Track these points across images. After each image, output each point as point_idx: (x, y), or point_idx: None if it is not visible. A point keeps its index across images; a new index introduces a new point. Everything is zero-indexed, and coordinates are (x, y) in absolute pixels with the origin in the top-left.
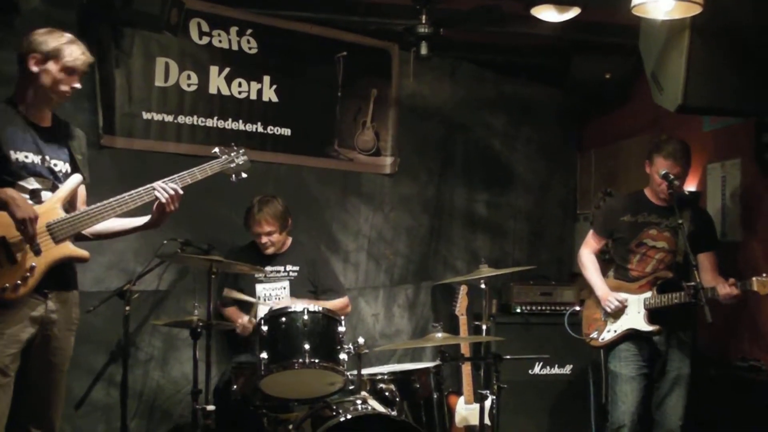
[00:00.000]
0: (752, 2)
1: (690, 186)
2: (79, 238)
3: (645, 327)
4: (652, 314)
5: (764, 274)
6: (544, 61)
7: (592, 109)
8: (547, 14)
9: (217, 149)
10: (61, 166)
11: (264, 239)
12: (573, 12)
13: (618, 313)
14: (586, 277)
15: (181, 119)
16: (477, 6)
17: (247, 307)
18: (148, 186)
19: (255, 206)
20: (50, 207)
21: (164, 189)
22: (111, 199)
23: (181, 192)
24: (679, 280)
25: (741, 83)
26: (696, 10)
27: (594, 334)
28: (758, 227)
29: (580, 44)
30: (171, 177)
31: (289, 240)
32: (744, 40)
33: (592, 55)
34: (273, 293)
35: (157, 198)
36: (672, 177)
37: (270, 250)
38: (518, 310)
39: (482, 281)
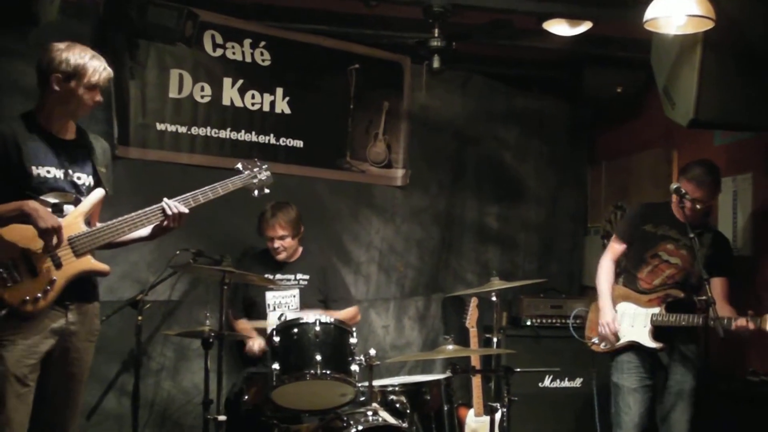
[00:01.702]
0: (764, 17)
1: None
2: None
3: (649, 344)
4: (657, 330)
5: None
6: (555, 74)
7: (603, 122)
8: (559, 28)
9: (239, 164)
10: (85, 179)
11: (277, 243)
12: (585, 26)
13: (608, 338)
14: (596, 282)
15: (194, 130)
16: (489, 20)
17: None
18: (152, 208)
19: (268, 211)
20: (72, 221)
21: (170, 206)
22: (132, 214)
23: (186, 212)
24: (690, 302)
25: (753, 97)
26: (708, 25)
27: (595, 339)
28: None
29: (592, 58)
30: (193, 192)
31: (300, 249)
32: (756, 54)
33: (604, 68)
34: (283, 301)
35: (163, 216)
36: (684, 192)
37: (282, 256)
38: (528, 323)
39: (493, 294)
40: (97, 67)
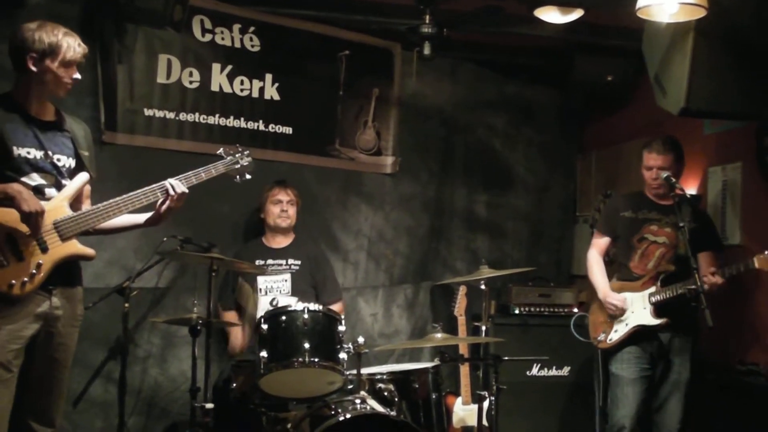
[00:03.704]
0: (756, 6)
1: (691, 189)
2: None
3: (652, 321)
4: (658, 309)
5: (766, 252)
6: (546, 62)
7: (594, 110)
8: (550, 15)
9: (221, 150)
10: (65, 161)
11: (285, 206)
12: (576, 14)
13: (622, 313)
14: (590, 278)
15: (183, 116)
16: (481, 7)
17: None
18: (157, 185)
19: (276, 182)
20: (57, 205)
21: (173, 186)
22: (117, 198)
23: (187, 191)
24: (682, 274)
25: (744, 87)
26: (701, 13)
27: (601, 336)
28: (759, 231)
29: (583, 46)
30: (176, 177)
31: (293, 236)
32: (748, 43)
33: (595, 56)
34: (275, 285)
35: (166, 193)
36: (667, 174)
37: (285, 223)
38: (517, 312)
39: (482, 282)
40: (71, 44)
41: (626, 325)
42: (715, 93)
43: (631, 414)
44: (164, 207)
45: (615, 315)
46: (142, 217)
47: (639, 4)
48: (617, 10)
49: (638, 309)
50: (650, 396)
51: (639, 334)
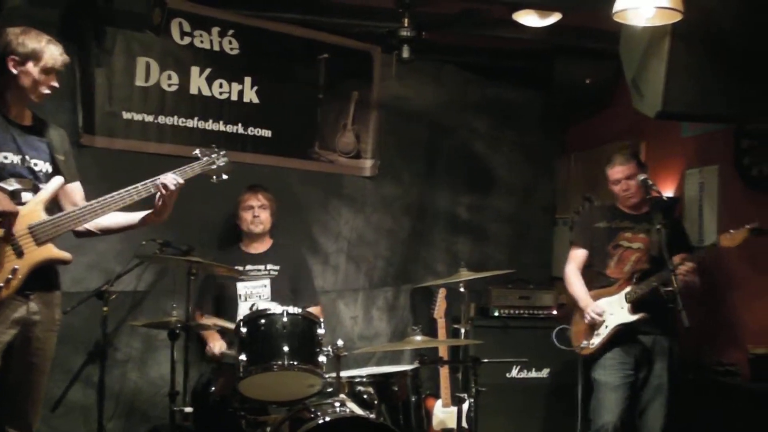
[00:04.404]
0: (734, 9)
1: (668, 191)
2: (83, 234)
3: (631, 318)
4: (635, 306)
5: (731, 230)
6: (527, 64)
7: (575, 113)
8: (529, 19)
9: (197, 151)
10: (42, 165)
11: (257, 211)
12: (554, 17)
13: (600, 323)
14: (570, 292)
15: (161, 119)
16: (460, 10)
17: (230, 311)
18: (143, 183)
19: (247, 187)
20: (32, 209)
21: (165, 183)
22: (93, 201)
23: (182, 182)
24: (656, 269)
25: (721, 90)
26: (677, 17)
27: (584, 343)
28: None
29: (563, 49)
30: (153, 178)
31: (270, 241)
32: (726, 46)
33: (575, 59)
34: (254, 291)
35: (158, 189)
36: (644, 177)
37: (258, 228)
38: (497, 314)
39: (461, 284)
40: (53, 51)
41: (606, 327)
42: (692, 96)
43: (614, 420)
44: (159, 202)
45: (594, 325)
46: (136, 217)
47: (615, 8)
48: (595, 13)
49: (616, 310)
50: (633, 401)
51: (621, 336)
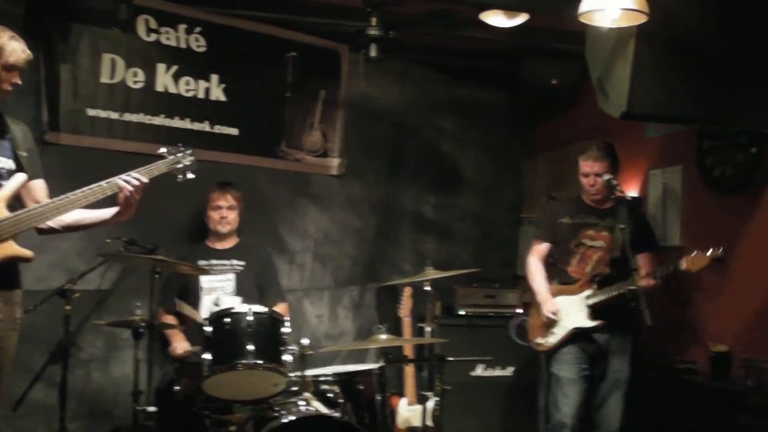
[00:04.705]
0: (699, 11)
1: (632, 191)
2: (45, 232)
3: (589, 323)
4: (595, 311)
5: (695, 252)
6: (494, 65)
7: (541, 113)
8: (496, 20)
9: (164, 149)
10: (4, 162)
11: (225, 212)
12: (521, 18)
13: (559, 315)
14: (530, 284)
15: (127, 117)
16: (428, 10)
17: (192, 304)
18: (107, 181)
19: (218, 185)
20: None
21: (128, 181)
22: (56, 199)
23: (146, 181)
24: (617, 275)
25: (685, 91)
26: (642, 19)
27: (539, 339)
28: (698, 233)
29: (529, 49)
30: (116, 177)
31: (237, 239)
32: (689, 48)
33: (541, 60)
34: (218, 285)
35: (120, 189)
36: (609, 177)
37: (225, 228)
38: (462, 313)
39: (427, 283)
40: (15, 48)
41: (563, 328)
42: (657, 97)
43: (571, 413)
44: (123, 201)
45: (549, 323)
46: (110, 212)
47: (581, 9)
48: (562, 14)
49: (575, 312)
50: (590, 395)
51: (577, 336)
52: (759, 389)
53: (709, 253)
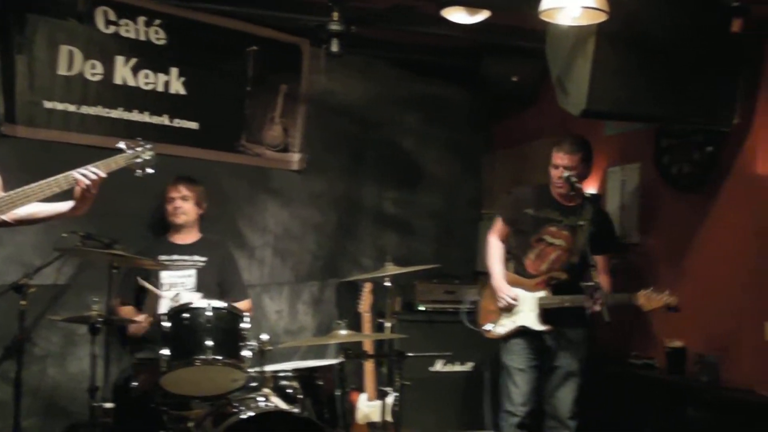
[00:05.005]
0: (658, 11)
1: (591, 189)
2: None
3: (537, 326)
4: (545, 313)
5: (651, 288)
6: (456, 61)
7: (501, 110)
8: (458, 16)
9: (122, 143)
10: None
11: (178, 203)
12: (483, 15)
13: (512, 307)
14: (487, 263)
15: (85, 109)
16: (390, 5)
17: (150, 302)
18: (64, 174)
19: (176, 177)
20: None
21: (85, 174)
22: (11, 192)
23: (104, 176)
24: (574, 282)
25: (644, 90)
26: (602, 17)
27: (489, 326)
28: (655, 230)
29: (490, 46)
30: (73, 171)
31: (199, 235)
32: (649, 47)
33: (502, 57)
34: (179, 280)
35: (77, 182)
36: (568, 176)
37: (180, 219)
38: (422, 308)
39: (387, 279)
40: None
41: (513, 322)
42: (616, 95)
43: (521, 402)
44: (77, 195)
45: (504, 309)
46: (65, 206)
47: (542, 7)
48: (523, 12)
49: (527, 310)
50: (541, 385)
51: (524, 332)
52: (712, 384)
53: (664, 297)
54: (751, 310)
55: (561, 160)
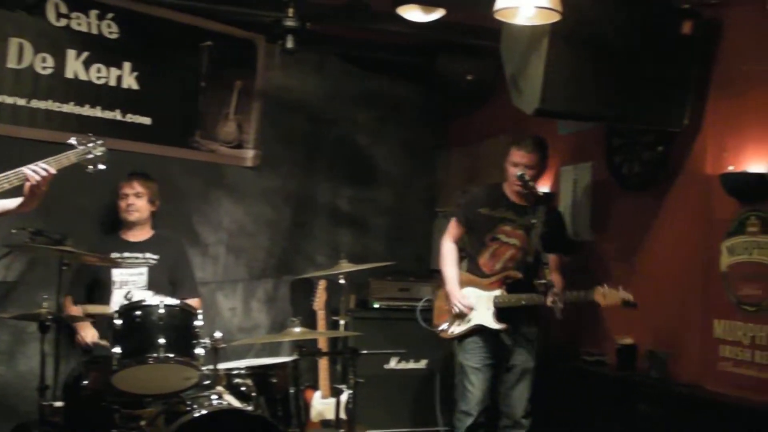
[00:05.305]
0: (610, 12)
1: (544, 187)
2: None
3: (493, 325)
4: (500, 312)
5: (606, 287)
6: (411, 59)
7: (456, 108)
8: (413, 14)
9: (73, 139)
10: None
11: (131, 200)
12: (438, 13)
13: (464, 315)
14: (441, 267)
15: (35, 103)
16: (346, 2)
17: (103, 298)
18: (14, 171)
19: (127, 174)
20: None
21: (36, 171)
22: None
23: (53, 172)
24: (529, 281)
25: (597, 89)
26: (555, 17)
27: (444, 326)
28: (607, 228)
29: (445, 44)
30: (22, 167)
31: (152, 231)
32: (601, 48)
33: (457, 55)
34: (130, 279)
35: (27, 178)
36: (521, 174)
37: (133, 216)
38: (376, 306)
39: (341, 276)
40: None
41: (468, 321)
42: (569, 95)
43: (476, 401)
44: (27, 192)
45: (457, 315)
46: (13, 203)
47: (496, 6)
48: (478, 10)
49: (482, 309)
50: (496, 384)
51: (479, 330)
52: (661, 380)
53: (621, 293)
54: (699, 307)
55: (521, 159)
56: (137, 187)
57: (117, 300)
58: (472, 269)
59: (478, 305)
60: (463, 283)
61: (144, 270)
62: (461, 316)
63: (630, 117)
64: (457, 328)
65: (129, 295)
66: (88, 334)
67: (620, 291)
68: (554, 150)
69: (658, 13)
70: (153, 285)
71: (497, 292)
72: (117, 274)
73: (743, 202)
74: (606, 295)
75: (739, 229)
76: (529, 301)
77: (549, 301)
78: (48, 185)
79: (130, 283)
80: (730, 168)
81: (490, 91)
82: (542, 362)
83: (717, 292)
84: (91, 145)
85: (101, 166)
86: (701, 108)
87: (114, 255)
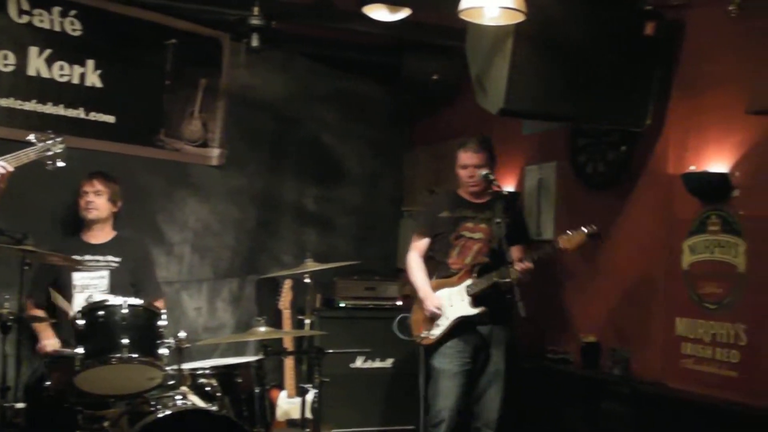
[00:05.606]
0: (574, 13)
1: (509, 186)
2: None
3: (471, 311)
4: (476, 299)
5: (568, 231)
6: (377, 58)
7: (422, 107)
8: (379, 13)
9: (32, 136)
10: None
11: (91, 197)
12: (404, 12)
13: (443, 309)
14: (411, 280)
15: None
16: (311, 1)
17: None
18: None
19: (92, 171)
20: None
21: None
22: None
23: (11, 170)
24: (496, 265)
25: (561, 90)
26: (520, 18)
27: (423, 333)
28: (571, 226)
29: (412, 44)
30: None
31: (113, 233)
32: (565, 48)
33: (423, 55)
34: (91, 282)
35: None
36: (486, 173)
37: (92, 215)
38: (342, 305)
39: (306, 275)
40: None
41: (447, 318)
42: (534, 95)
43: (451, 406)
44: None
45: (432, 318)
46: None
47: (461, 6)
48: (443, 10)
49: (457, 302)
50: (470, 388)
51: (461, 327)
52: (624, 378)
53: (582, 229)
54: (662, 306)
55: (470, 160)
56: (97, 185)
57: (78, 304)
58: (442, 273)
59: (453, 301)
60: (435, 289)
61: (105, 273)
62: (437, 318)
63: (593, 117)
64: (438, 329)
65: (90, 300)
66: (49, 343)
67: (581, 229)
68: (519, 149)
69: (622, 14)
70: (115, 288)
71: (468, 282)
72: (78, 277)
73: (704, 202)
74: (570, 239)
75: (700, 228)
76: (501, 277)
77: (518, 267)
78: (6, 183)
79: (91, 287)
80: (692, 168)
81: (456, 91)
82: (511, 363)
83: (679, 290)
84: (50, 142)
85: (61, 164)
86: (663, 108)
87: (74, 257)
